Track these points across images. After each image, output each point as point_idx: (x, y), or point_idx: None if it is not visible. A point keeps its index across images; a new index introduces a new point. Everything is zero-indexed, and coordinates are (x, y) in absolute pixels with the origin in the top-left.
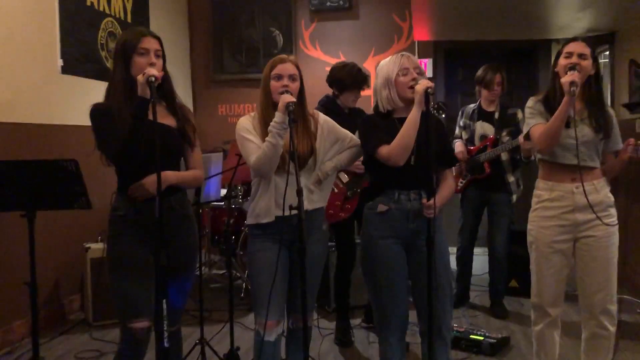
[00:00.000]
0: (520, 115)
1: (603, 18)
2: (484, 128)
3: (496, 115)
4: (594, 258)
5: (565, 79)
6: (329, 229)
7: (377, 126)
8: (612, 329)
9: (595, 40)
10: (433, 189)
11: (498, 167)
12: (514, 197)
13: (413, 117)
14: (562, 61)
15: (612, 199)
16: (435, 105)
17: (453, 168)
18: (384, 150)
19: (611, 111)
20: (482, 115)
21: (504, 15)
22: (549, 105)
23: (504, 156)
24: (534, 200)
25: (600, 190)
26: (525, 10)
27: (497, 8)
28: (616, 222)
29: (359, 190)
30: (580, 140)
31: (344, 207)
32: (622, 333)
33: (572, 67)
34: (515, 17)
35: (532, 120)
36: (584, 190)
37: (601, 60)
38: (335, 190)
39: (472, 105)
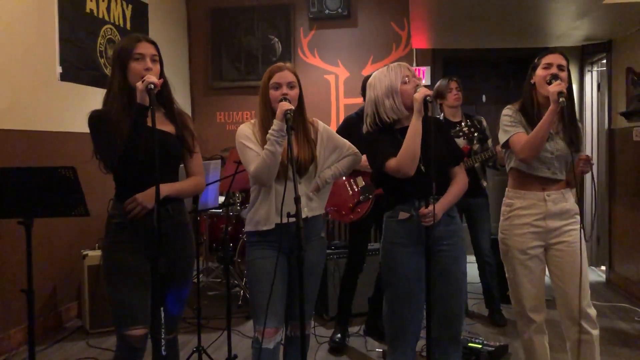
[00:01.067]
0: (484, 122)
1: (600, 26)
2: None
3: (463, 124)
4: (568, 263)
5: (553, 89)
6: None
7: (379, 141)
8: (595, 332)
9: (593, 48)
10: (433, 197)
11: (473, 174)
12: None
13: (415, 126)
14: (541, 72)
15: (577, 207)
16: (469, 123)
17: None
18: (392, 163)
19: (580, 125)
20: (449, 126)
21: (502, 23)
22: (527, 116)
23: (477, 164)
24: (505, 209)
25: (568, 199)
26: (522, 19)
27: (495, 17)
28: (580, 229)
29: (371, 196)
30: (555, 155)
31: (354, 210)
32: (622, 341)
33: (555, 76)
34: (512, 26)
35: (513, 129)
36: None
37: (598, 69)
38: (350, 192)
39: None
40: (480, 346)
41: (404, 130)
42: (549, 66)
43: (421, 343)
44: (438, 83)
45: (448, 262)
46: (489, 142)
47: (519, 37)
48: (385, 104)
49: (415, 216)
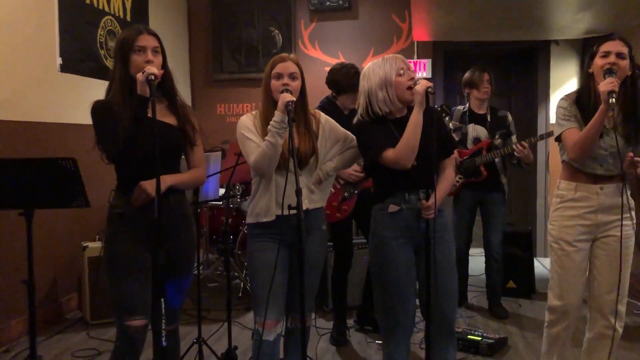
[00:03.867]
0: (510, 118)
1: (602, 19)
2: (477, 131)
3: (488, 118)
4: (612, 257)
5: (603, 87)
6: (328, 228)
7: (374, 131)
8: (620, 330)
9: (594, 41)
10: (434, 190)
11: (493, 169)
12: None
13: (416, 118)
14: (599, 61)
15: (632, 202)
16: (438, 108)
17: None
18: (390, 154)
19: None
20: (474, 118)
21: (504, 16)
22: (582, 109)
23: (497, 159)
24: (555, 200)
25: (624, 193)
26: (524, 12)
27: (496, 9)
28: (634, 225)
29: (356, 192)
30: (610, 151)
31: (340, 208)
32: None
33: (610, 71)
34: (514, 18)
35: (566, 123)
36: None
37: None
38: (333, 190)
39: (460, 107)
40: (479, 338)
41: (397, 121)
42: (606, 54)
43: (420, 336)
44: (470, 72)
45: (438, 256)
46: (513, 138)
47: (520, 30)
48: (379, 95)
49: (406, 209)
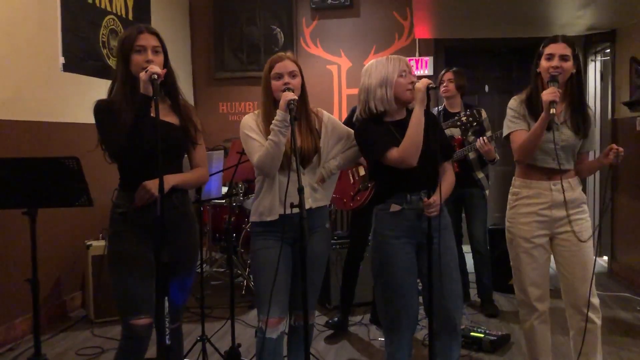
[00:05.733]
0: (484, 114)
1: (604, 16)
2: (450, 130)
3: (462, 114)
4: (573, 253)
5: (545, 97)
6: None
7: (375, 131)
8: (598, 321)
9: (596, 38)
10: (440, 187)
11: (466, 165)
12: (487, 192)
13: (418, 116)
14: (544, 63)
15: (584, 196)
16: (468, 113)
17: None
18: (394, 153)
19: (590, 111)
20: (447, 116)
21: (505, 13)
22: (532, 108)
23: (472, 155)
24: (511, 197)
25: (575, 188)
26: (526, 8)
27: (498, 6)
28: (589, 218)
29: (369, 185)
30: (560, 145)
31: (354, 198)
32: (623, 331)
33: (553, 79)
34: (516, 15)
35: (514, 125)
36: (562, 187)
37: (602, 58)
38: (352, 180)
39: (436, 108)
40: (482, 335)
41: (397, 123)
42: (551, 57)
43: (424, 332)
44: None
45: (441, 254)
46: (488, 133)
47: (522, 27)
48: (377, 93)
49: (407, 209)
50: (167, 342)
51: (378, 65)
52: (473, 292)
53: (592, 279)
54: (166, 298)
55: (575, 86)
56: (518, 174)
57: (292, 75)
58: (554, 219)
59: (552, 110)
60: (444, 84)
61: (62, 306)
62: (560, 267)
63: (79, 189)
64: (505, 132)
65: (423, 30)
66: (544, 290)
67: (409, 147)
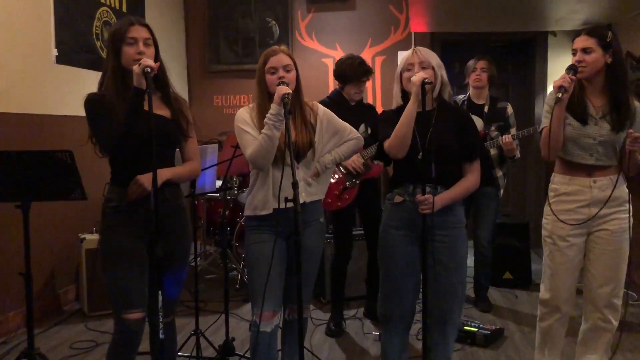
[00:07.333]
0: (510, 110)
1: (600, 10)
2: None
3: (485, 108)
4: (605, 251)
5: (554, 82)
6: (329, 218)
7: (387, 120)
8: (615, 323)
9: None
10: (431, 184)
11: (486, 161)
12: (501, 191)
13: (408, 110)
14: (572, 59)
15: (627, 194)
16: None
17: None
18: (386, 143)
19: (636, 103)
20: (471, 107)
21: (501, 7)
22: (569, 101)
23: (492, 151)
24: (550, 194)
25: (619, 185)
26: (522, 3)
27: (494, 0)
28: (630, 218)
29: (357, 182)
30: (598, 140)
31: (341, 197)
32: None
33: (571, 67)
34: (512, 9)
35: (545, 120)
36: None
37: None
38: (332, 180)
39: (461, 97)
40: (475, 330)
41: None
42: (575, 52)
43: (417, 327)
44: (472, 59)
45: (442, 254)
46: (512, 130)
47: (518, 21)
48: (395, 87)
49: (408, 201)
50: (161, 336)
51: (400, 59)
52: (468, 287)
53: (622, 280)
54: (159, 292)
55: (610, 78)
56: (557, 169)
57: (286, 69)
58: (592, 217)
59: (559, 95)
60: (477, 72)
61: (55, 299)
62: (589, 264)
63: (73, 183)
64: (541, 126)
65: (419, 24)
66: (571, 292)
67: (393, 139)
